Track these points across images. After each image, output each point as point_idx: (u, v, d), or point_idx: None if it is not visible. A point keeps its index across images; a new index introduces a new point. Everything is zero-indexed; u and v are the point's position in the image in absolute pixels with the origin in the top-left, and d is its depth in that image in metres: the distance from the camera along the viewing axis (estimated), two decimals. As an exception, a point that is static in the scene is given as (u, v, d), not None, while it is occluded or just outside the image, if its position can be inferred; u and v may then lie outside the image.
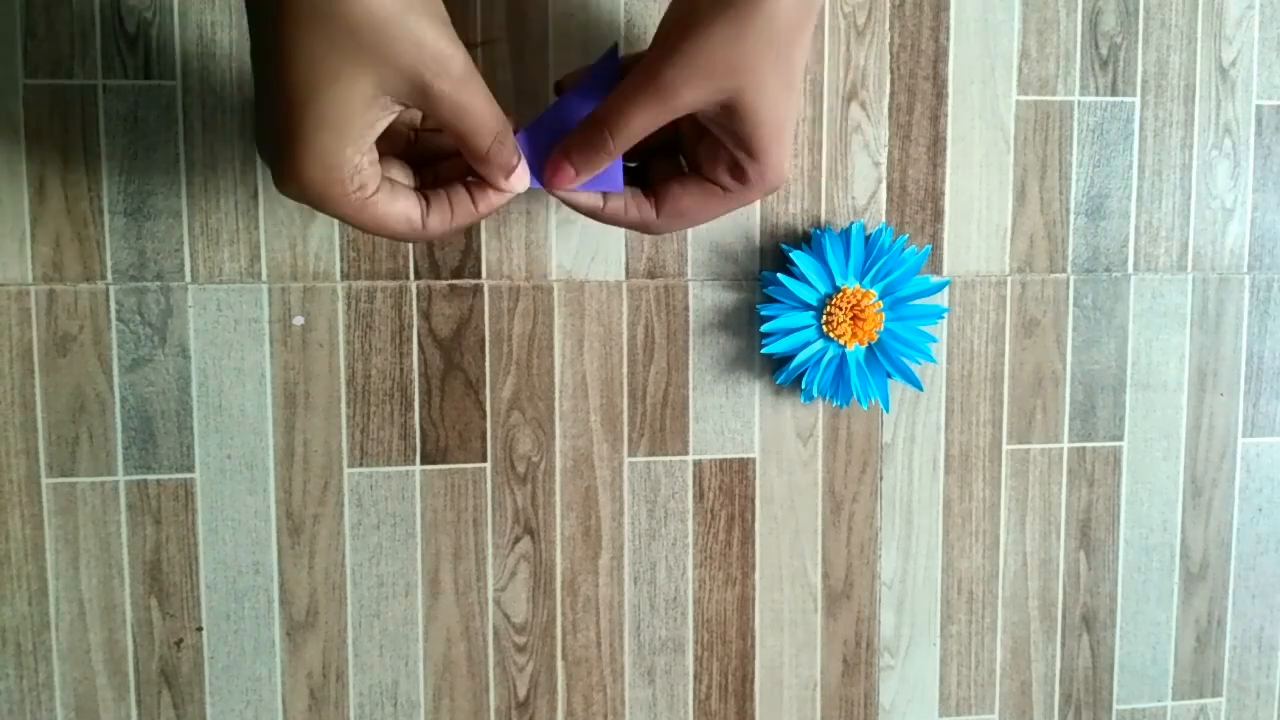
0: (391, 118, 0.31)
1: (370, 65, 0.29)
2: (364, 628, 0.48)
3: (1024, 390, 0.51)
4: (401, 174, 0.35)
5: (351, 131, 0.30)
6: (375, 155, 0.32)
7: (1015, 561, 0.52)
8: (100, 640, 0.47)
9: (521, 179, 0.35)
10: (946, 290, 0.50)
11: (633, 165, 0.40)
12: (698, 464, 0.49)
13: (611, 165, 0.36)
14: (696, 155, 0.37)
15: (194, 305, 0.46)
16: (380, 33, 0.29)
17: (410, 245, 0.47)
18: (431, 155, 0.37)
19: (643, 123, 0.34)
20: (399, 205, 0.34)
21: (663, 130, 0.35)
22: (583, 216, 0.43)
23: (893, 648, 0.52)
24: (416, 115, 0.37)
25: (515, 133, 0.35)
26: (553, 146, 0.36)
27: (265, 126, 0.31)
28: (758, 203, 0.48)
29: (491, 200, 0.35)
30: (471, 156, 0.34)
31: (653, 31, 0.47)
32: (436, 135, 0.37)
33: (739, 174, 0.36)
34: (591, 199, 0.37)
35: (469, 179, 0.35)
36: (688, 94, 0.32)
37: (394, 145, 0.36)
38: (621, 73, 0.36)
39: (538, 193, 0.47)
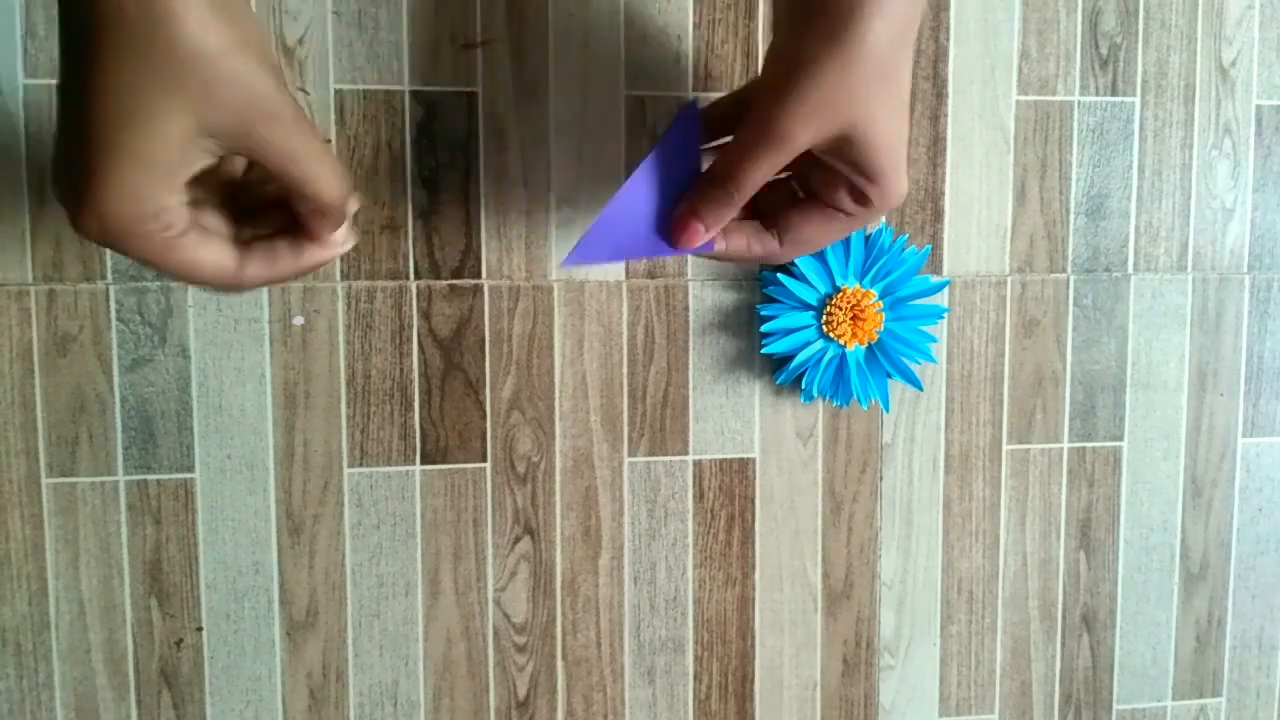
0: (211, 161, 0.29)
1: (190, 103, 0.27)
2: (364, 628, 0.48)
3: (1024, 390, 0.51)
4: (216, 221, 0.33)
5: (164, 170, 0.28)
6: (185, 196, 0.30)
7: (1015, 561, 0.52)
8: (100, 640, 0.47)
9: (346, 237, 0.34)
10: (946, 290, 0.50)
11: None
12: (698, 464, 0.49)
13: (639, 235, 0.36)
14: (811, 182, 0.36)
15: (194, 305, 0.46)
16: (204, 70, 0.27)
17: (410, 245, 0.47)
18: (254, 205, 0.34)
19: (763, 172, 0.34)
20: (209, 252, 0.31)
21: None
22: (584, 215, 0.43)
23: (893, 648, 0.52)
24: (238, 164, 0.34)
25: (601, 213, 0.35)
26: (654, 211, 0.36)
27: (64, 159, 0.29)
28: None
29: (316, 255, 0.33)
30: (306, 208, 0.32)
31: (650, 32, 0.47)
32: (260, 186, 0.34)
33: (860, 198, 0.35)
34: (716, 243, 0.37)
35: (291, 233, 0.33)
36: (804, 137, 0.32)
37: (210, 192, 0.33)
38: (703, 120, 0.36)
39: (539, 192, 0.47)
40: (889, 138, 0.33)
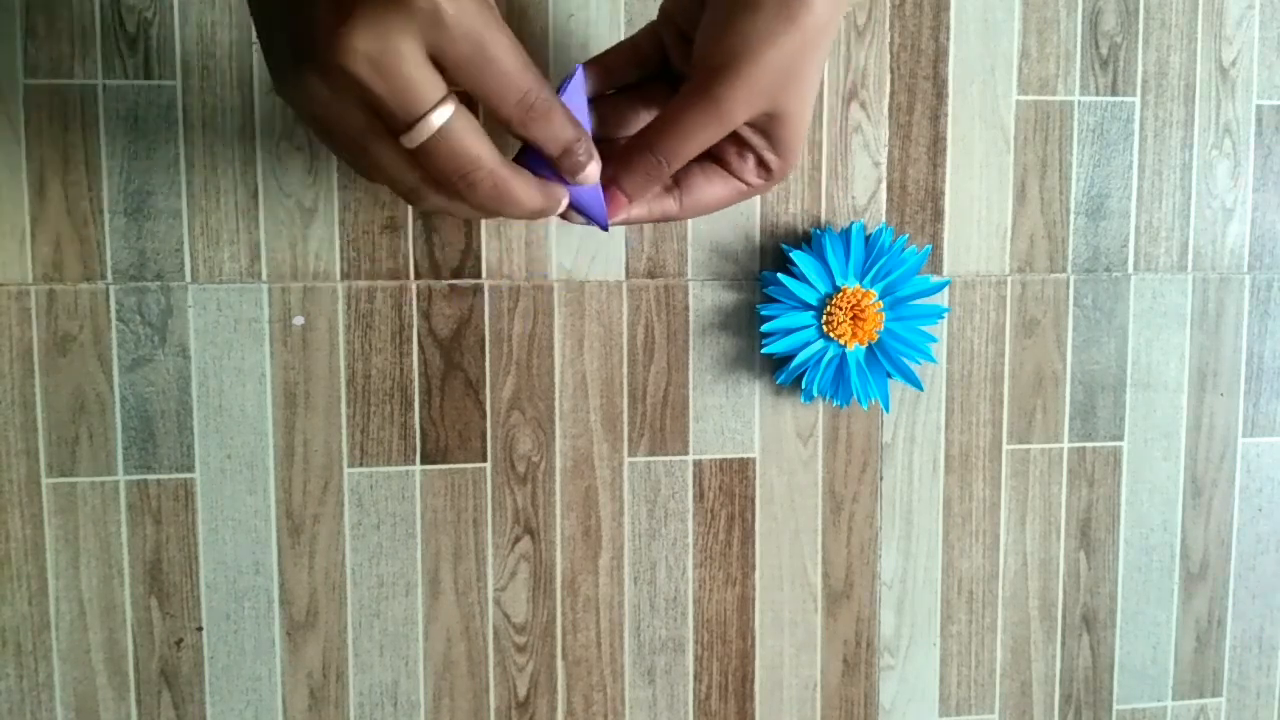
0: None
1: (423, 23, 0.26)
2: (364, 628, 0.48)
3: (1024, 390, 0.51)
4: None
5: (408, 47, 0.27)
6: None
7: (1015, 561, 0.52)
8: (100, 640, 0.47)
9: (592, 165, 0.32)
10: (946, 290, 0.50)
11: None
12: (698, 464, 0.49)
13: (595, 193, 0.35)
14: (722, 151, 0.37)
15: (194, 305, 0.46)
16: None
17: (410, 245, 0.47)
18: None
19: (699, 145, 0.34)
20: (471, 129, 0.29)
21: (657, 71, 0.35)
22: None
23: (893, 648, 0.52)
24: None
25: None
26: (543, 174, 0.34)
27: (292, 18, 0.27)
28: (758, 202, 0.48)
29: (559, 192, 0.32)
30: (505, 114, 0.29)
31: (653, 31, 0.47)
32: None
33: (765, 172, 0.36)
34: (620, 207, 0.36)
35: None
36: (742, 113, 0.33)
37: None
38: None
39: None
40: (805, 109, 0.34)
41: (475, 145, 0.29)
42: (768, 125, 0.34)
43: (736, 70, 0.32)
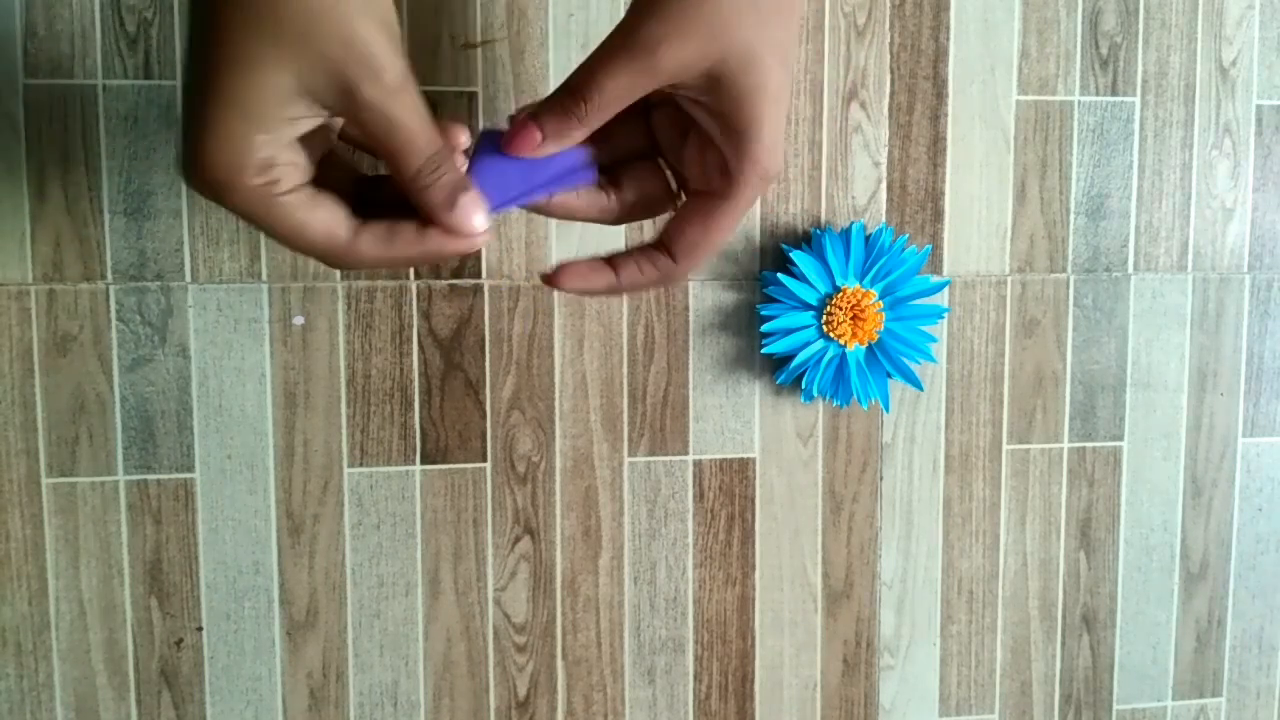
0: (316, 121, 0.29)
1: (291, 56, 0.27)
2: (364, 628, 0.48)
3: (1024, 390, 0.51)
4: (334, 196, 0.31)
5: (263, 118, 0.28)
6: (299, 158, 0.29)
7: (1015, 561, 0.52)
8: (100, 640, 0.47)
9: (468, 217, 0.30)
10: (946, 290, 0.50)
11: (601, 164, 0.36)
12: (698, 464, 0.49)
13: (577, 153, 0.33)
14: (683, 163, 0.34)
15: (194, 305, 0.46)
16: (307, 22, 0.27)
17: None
18: (387, 200, 0.33)
19: (620, 85, 0.30)
20: (320, 214, 0.30)
21: (635, 135, 0.32)
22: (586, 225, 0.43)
23: (893, 648, 0.52)
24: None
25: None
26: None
27: (183, 118, 0.29)
28: (758, 202, 0.48)
29: (440, 241, 0.31)
30: (403, 183, 0.30)
31: (653, 31, 0.47)
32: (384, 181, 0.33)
33: (729, 167, 0.32)
34: (608, 279, 0.34)
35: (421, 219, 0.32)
36: (667, 52, 0.29)
37: (341, 183, 0.32)
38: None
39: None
40: (766, 83, 0.30)
41: (314, 223, 0.30)
42: (715, 94, 0.30)
43: (651, 2, 0.29)
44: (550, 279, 0.33)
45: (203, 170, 0.28)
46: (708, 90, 0.30)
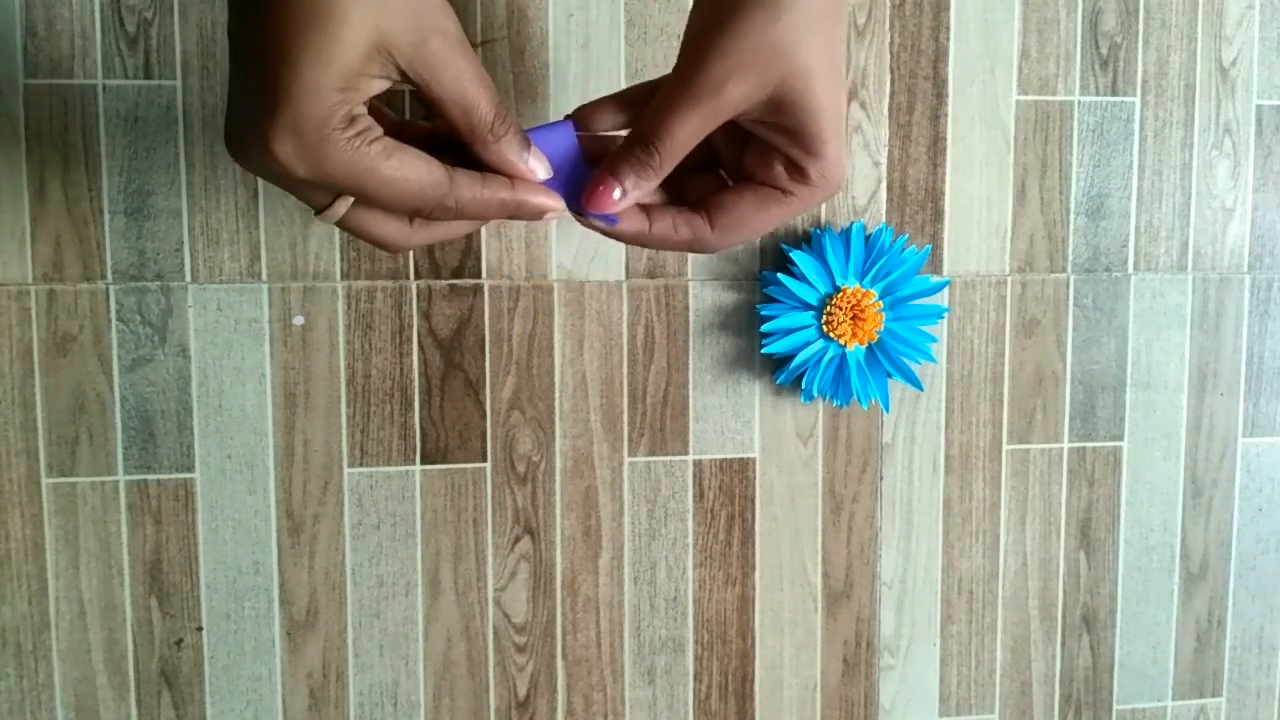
0: (388, 82, 0.29)
1: (369, 11, 0.27)
2: (364, 628, 0.48)
3: (1024, 390, 0.51)
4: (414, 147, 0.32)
5: (349, 72, 0.28)
6: (373, 121, 0.30)
7: (1015, 561, 0.52)
8: (100, 640, 0.47)
9: (538, 169, 0.32)
10: (946, 290, 0.50)
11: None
12: (698, 464, 0.49)
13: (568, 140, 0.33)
14: (744, 165, 0.34)
15: (194, 305, 0.46)
16: None
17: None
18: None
19: (690, 130, 0.31)
20: (415, 164, 0.30)
21: (696, 150, 0.33)
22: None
23: (893, 648, 0.52)
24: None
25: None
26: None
27: (242, 93, 0.29)
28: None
29: (524, 189, 0.32)
30: (474, 138, 0.31)
31: (651, 33, 0.47)
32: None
33: (798, 173, 0.32)
34: (638, 224, 0.34)
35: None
36: (733, 90, 0.30)
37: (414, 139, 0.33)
38: (580, 141, 0.34)
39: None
40: (824, 99, 0.31)
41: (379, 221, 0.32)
42: (779, 115, 0.31)
43: (712, 39, 0.30)
44: (585, 203, 0.33)
45: (296, 130, 0.28)
46: (772, 113, 0.31)
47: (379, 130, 0.29)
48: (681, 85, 0.31)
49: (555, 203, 0.33)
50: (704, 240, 0.34)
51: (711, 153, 0.36)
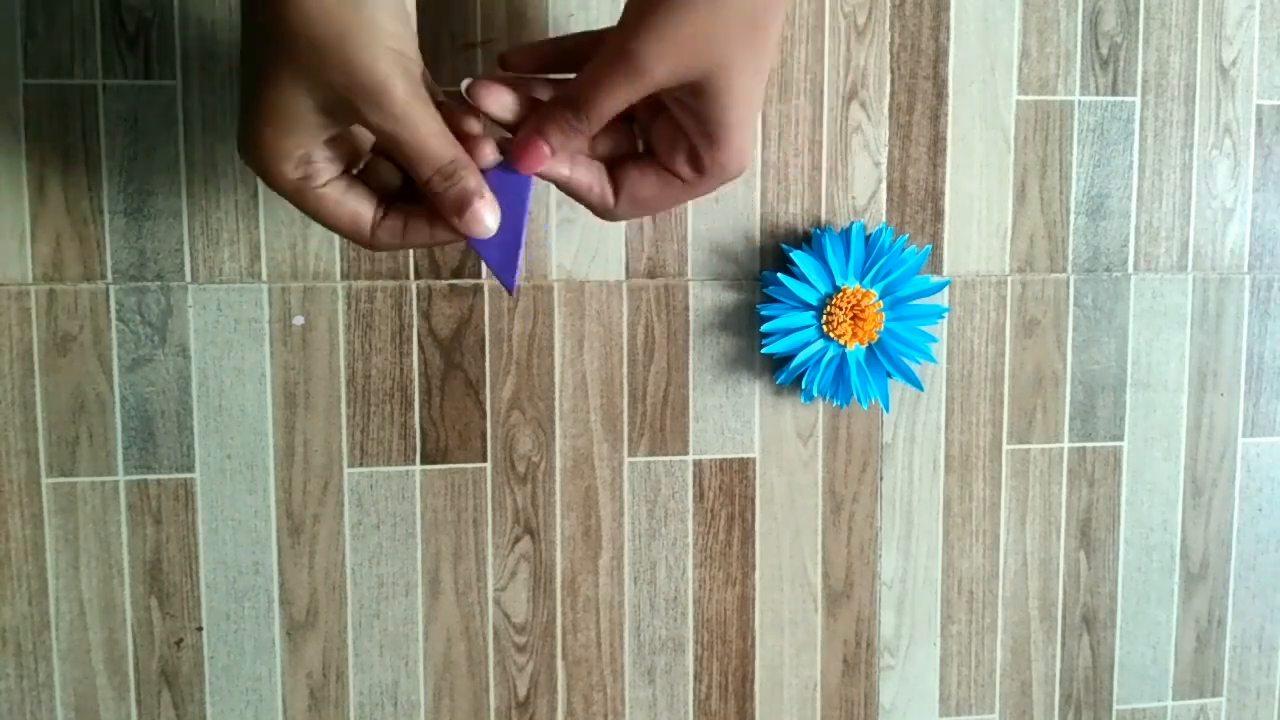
0: (339, 129, 0.33)
1: (306, 81, 0.31)
2: (364, 628, 0.48)
3: (1024, 390, 0.51)
4: (364, 190, 0.35)
5: (292, 129, 0.32)
6: (332, 154, 0.34)
7: (1015, 561, 0.52)
8: (100, 640, 0.47)
9: (479, 220, 0.34)
10: (946, 290, 0.50)
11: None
12: (698, 464, 0.49)
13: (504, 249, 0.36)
14: (652, 137, 0.36)
15: (194, 305, 0.46)
16: (316, 54, 0.30)
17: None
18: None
19: (615, 103, 0.33)
20: (349, 205, 0.34)
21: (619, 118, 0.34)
22: (585, 214, 0.43)
23: (893, 648, 0.52)
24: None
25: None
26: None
27: (240, 104, 0.34)
28: (757, 202, 0.48)
29: (442, 236, 0.35)
30: (422, 185, 0.34)
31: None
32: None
33: (697, 163, 0.35)
34: (561, 169, 0.36)
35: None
36: (660, 70, 0.32)
37: (389, 172, 0.36)
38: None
39: (539, 191, 0.47)
40: (741, 97, 0.33)
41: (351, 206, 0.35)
42: (695, 102, 0.33)
43: (647, 23, 0.31)
44: (515, 160, 0.35)
45: (250, 161, 0.33)
46: (690, 95, 0.33)
47: (328, 174, 0.34)
48: (615, 59, 0.32)
49: (473, 227, 0.35)
50: (606, 206, 0.37)
51: (629, 110, 0.37)
